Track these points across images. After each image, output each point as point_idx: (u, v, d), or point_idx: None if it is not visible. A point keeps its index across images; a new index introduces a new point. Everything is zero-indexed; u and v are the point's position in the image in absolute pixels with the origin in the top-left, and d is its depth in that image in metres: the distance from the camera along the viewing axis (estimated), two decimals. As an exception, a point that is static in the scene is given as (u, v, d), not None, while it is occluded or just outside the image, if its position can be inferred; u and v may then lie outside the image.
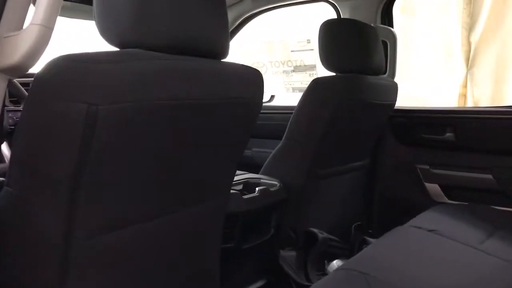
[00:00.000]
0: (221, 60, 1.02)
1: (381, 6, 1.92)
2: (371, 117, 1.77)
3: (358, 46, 1.60)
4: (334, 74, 1.64)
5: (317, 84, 1.59)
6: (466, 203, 1.75)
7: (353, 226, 1.70)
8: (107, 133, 0.78)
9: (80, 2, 1.74)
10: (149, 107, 0.83)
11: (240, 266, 1.50)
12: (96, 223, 0.85)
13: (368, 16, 1.90)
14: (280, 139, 1.66)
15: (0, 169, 0.97)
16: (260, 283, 1.55)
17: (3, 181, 0.86)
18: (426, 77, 3.49)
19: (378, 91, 1.71)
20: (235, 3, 2.12)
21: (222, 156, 1.10)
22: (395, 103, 1.87)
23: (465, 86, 3.41)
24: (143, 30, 0.85)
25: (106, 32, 0.87)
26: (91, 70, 0.76)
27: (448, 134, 1.83)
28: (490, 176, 1.75)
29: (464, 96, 3.42)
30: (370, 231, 1.72)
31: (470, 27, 3.35)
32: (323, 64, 1.63)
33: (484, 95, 3.36)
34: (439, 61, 3.45)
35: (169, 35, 0.88)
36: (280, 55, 2.25)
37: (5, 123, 1.37)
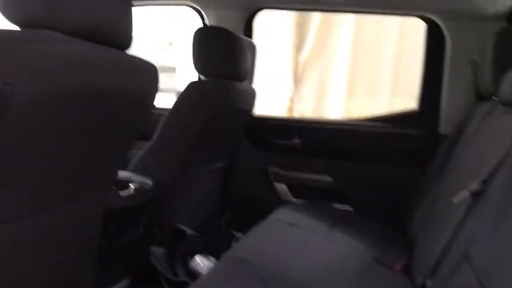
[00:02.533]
0: (124, 50, 1.02)
1: (245, 18, 2.07)
2: (235, 121, 1.88)
3: (229, 53, 1.70)
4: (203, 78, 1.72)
5: (194, 87, 1.64)
6: (310, 201, 1.99)
7: (223, 221, 1.79)
8: (16, 116, 0.73)
9: None
10: (56, 92, 0.80)
11: (111, 264, 1.45)
12: None
13: (233, 26, 2.01)
14: (145, 139, 1.65)
15: None
16: (128, 280, 1.53)
17: None
18: (259, 90, 3.76)
19: (243, 97, 1.84)
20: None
21: (112, 147, 1.09)
22: (253, 109, 2.02)
23: (292, 100, 3.80)
24: (54, 11, 0.82)
25: (9, 9, 0.80)
26: (5, 48, 0.71)
27: (295, 140, 2.06)
28: (329, 178, 2.03)
29: (290, 109, 3.80)
30: (234, 225, 1.83)
31: (298, 48, 3.75)
32: (196, 68, 1.69)
33: (307, 110, 3.80)
34: (272, 76, 3.75)
35: (80, 20, 0.86)
36: (138, 54, 2.22)
37: None
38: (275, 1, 2.04)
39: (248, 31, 2.13)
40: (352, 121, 2.18)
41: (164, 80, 2.20)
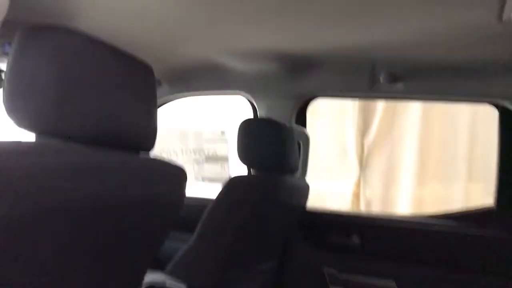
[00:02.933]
0: (145, 152, 0.94)
1: (297, 107, 1.98)
2: (284, 218, 1.74)
3: (275, 145, 1.61)
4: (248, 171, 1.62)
5: (233, 183, 1.54)
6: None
7: None
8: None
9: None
10: (51, 210, 0.72)
11: None
12: None
13: (284, 115, 1.94)
14: (189, 232, 1.55)
15: None
16: None
17: None
18: (324, 174, 3.63)
19: (292, 192, 1.71)
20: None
21: (131, 266, 0.99)
22: (306, 204, 1.87)
23: (358, 186, 3.60)
24: (59, 116, 0.76)
25: (17, 113, 0.75)
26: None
27: (354, 238, 1.86)
28: (393, 283, 1.78)
29: (357, 195, 3.60)
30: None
31: (363, 132, 3.61)
32: (240, 160, 1.60)
33: (375, 196, 3.57)
34: (336, 160, 3.62)
35: (89, 125, 0.80)
36: (193, 144, 2.20)
37: None
38: (329, 90, 1.94)
39: (301, 120, 2.03)
40: (419, 218, 1.94)
41: (216, 170, 2.14)
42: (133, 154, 0.91)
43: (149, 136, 0.93)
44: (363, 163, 3.62)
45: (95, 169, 0.80)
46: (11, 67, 0.75)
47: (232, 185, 1.52)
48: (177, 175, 1.02)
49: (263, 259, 1.75)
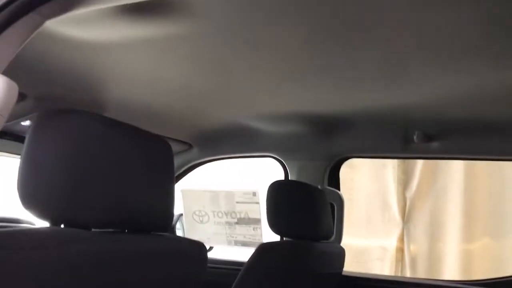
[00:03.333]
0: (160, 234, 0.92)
1: (329, 168, 1.94)
2: (317, 286, 1.66)
3: (306, 210, 1.56)
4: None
5: (265, 248, 1.49)
6: None
7: None
8: None
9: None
10: None
11: None
12: None
13: (316, 177, 1.90)
14: None
15: None
16: None
17: None
18: (365, 229, 3.51)
19: (326, 259, 1.64)
20: (183, 151, 2.08)
21: None
22: (342, 270, 1.78)
23: (402, 240, 3.45)
24: (74, 205, 0.74)
25: (30, 202, 0.74)
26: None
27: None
28: None
29: (401, 250, 3.44)
30: None
31: (404, 183, 3.50)
32: (270, 226, 1.56)
33: (420, 251, 3.40)
34: (377, 214, 3.51)
35: (106, 212, 0.78)
36: (224, 205, 2.18)
37: None
38: (361, 151, 1.90)
39: (334, 181, 1.98)
40: (463, 282, 1.81)
41: (248, 232, 2.08)
42: (150, 236, 0.89)
43: (166, 217, 0.91)
44: (406, 217, 3.48)
45: (113, 255, 0.78)
46: (26, 152, 0.75)
47: (263, 252, 1.47)
48: (197, 253, 0.99)
49: None
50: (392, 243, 3.45)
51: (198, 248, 0.99)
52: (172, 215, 0.95)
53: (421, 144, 1.69)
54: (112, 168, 0.80)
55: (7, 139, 1.61)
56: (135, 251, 0.83)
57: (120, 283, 0.79)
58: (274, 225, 1.54)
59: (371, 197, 3.58)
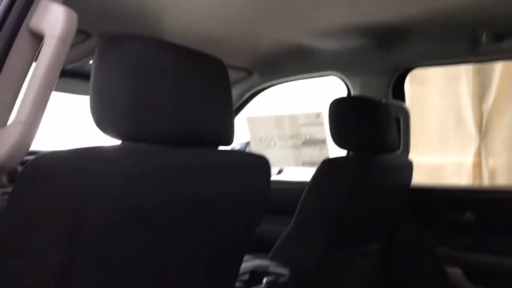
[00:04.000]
0: (225, 147, 0.97)
1: (393, 81, 1.89)
2: (386, 199, 1.68)
3: (369, 124, 1.55)
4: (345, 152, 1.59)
5: (327, 166, 1.52)
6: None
7: None
8: (96, 235, 0.72)
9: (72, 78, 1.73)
10: (144, 207, 0.77)
11: None
12: None
13: (379, 91, 1.86)
14: (291, 214, 1.58)
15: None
16: None
17: None
18: (439, 146, 3.44)
19: (392, 172, 1.64)
20: (244, 79, 2.10)
21: (224, 260, 1.04)
22: (410, 182, 1.78)
23: (479, 154, 3.34)
24: (140, 122, 0.80)
25: (102, 123, 0.81)
26: (80, 170, 0.70)
27: (468, 215, 1.72)
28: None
29: (478, 165, 3.34)
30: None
31: (480, 96, 3.33)
32: (334, 142, 1.58)
33: (499, 165, 3.29)
34: (452, 130, 3.40)
35: (168, 126, 0.83)
36: (290, 129, 2.21)
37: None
38: (425, 60, 1.82)
39: (399, 94, 1.93)
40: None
41: (315, 153, 2.13)
42: (214, 150, 0.94)
43: (227, 131, 0.95)
44: (483, 131, 3.35)
45: (181, 168, 0.84)
46: (93, 78, 0.81)
47: (325, 168, 1.51)
48: (260, 165, 1.03)
49: (368, 241, 1.72)
50: (468, 158, 3.35)
51: (260, 160, 1.03)
52: (233, 129, 0.99)
53: (491, 45, 1.59)
54: (173, 87, 0.84)
55: (79, 79, 1.71)
56: (201, 163, 0.89)
57: (189, 192, 0.86)
58: (338, 141, 1.56)
59: (444, 114, 3.47)
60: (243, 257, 1.12)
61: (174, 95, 0.84)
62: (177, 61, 0.87)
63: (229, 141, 0.97)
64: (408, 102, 2.97)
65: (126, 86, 0.80)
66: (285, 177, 2.33)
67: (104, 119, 0.81)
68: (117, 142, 0.83)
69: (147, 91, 0.81)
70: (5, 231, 0.73)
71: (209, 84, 0.91)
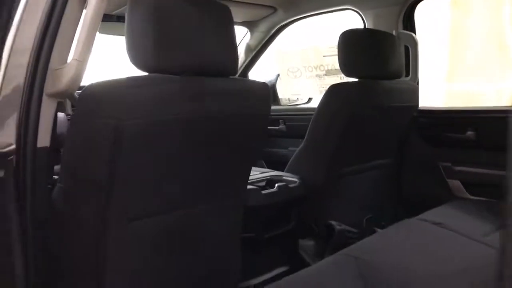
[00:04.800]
0: (232, 77, 1.20)
1: (402, 13, 2.02)
2: (390, 119, 1.87)
3: (374, 53, 1.71)
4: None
5: (334, 90, 1.72)
6: (485, 199, 1.81)
7: (364, 219, 1.83)
8: (132, 143, 0.99)
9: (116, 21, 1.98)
10: (166, 122, 1.03)
11: (263, 253, 1.68)
12: (124, 214, 1.05)
13: (391, 23, 2.00)
14: (301, 137, 1.82)
15: (56, 170, 1.22)
16: (281, 270, 1.73)
17: (57, 179, 1.11)
18: (481, 73, 3.44)
19: (395, 95, 1.82)
20: (269, 15, 2.30)
21: (233, 163, 1.26)
22: (417, 104, 1.96)
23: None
24: (162, 57, 1.04)
25: (134, 59, 1.07)
26: (118, 94, 0.99)
27: (469, 133, 1.90)
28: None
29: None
30: (382, 223, 1.83)
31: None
32: (342, 70, 1.76)
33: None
34: (494, 57, 3.38)
35: (185, 60, 1.07)
36: (313, 60, 2.41)
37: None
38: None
39: (409, 25, 2.06)
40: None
41: (336, 81, 2.34)
42: (224, 78, 1.16)
43: (232, 63, 1.18)
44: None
45: (197, 91, 1.09)
46: (127, 25, 1.07)
47: (330, 93, 1.72)
48: (262, 90, 1.26)
49: (378, 156, 1.94)
50: (509, 86, 3.35)
51: (262, 86, 1.26)
52: (237, 63, 1.23)
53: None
54: (188, 29, 1.07)
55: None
56: (213, 88, 1.13)
57: (203, 110, 1.08)
58: (345, 69, 1.74)
59: (484, 41, 3.44)
60: (249, 170, 1.36)
61: (189, 36, 1.07)
62: (191, 8, 1.08)
63: (234, 71, 1.19)
64: (449, 28, 3.00)
65: (151, 28, 1.03)
66: (314, 105, 2.54)
67: (134, 54, 1.06)
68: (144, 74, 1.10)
69: (167, 33, 1.04)
70: (68, 150, 1.03)
71: (216, 25, 1.12)
